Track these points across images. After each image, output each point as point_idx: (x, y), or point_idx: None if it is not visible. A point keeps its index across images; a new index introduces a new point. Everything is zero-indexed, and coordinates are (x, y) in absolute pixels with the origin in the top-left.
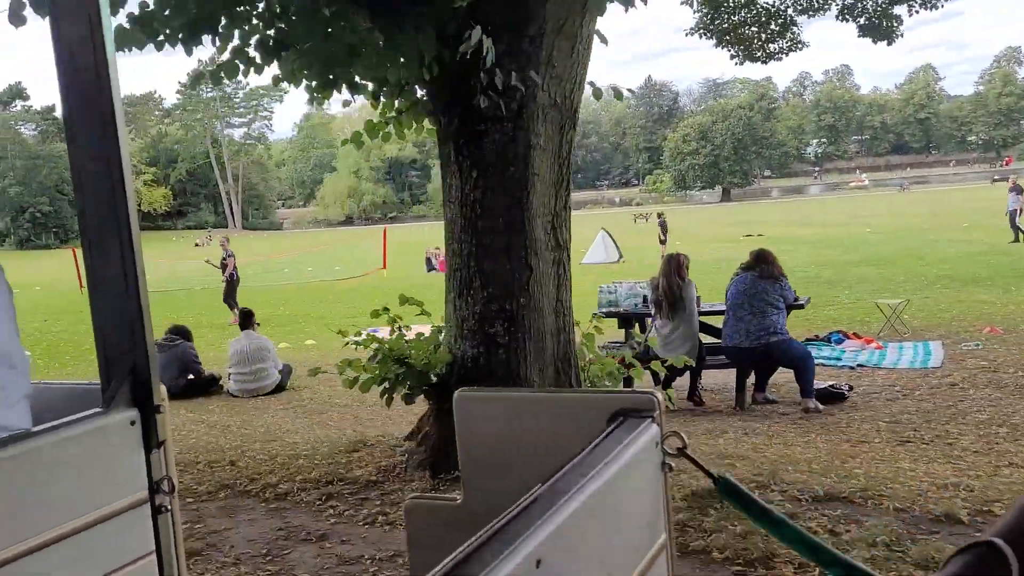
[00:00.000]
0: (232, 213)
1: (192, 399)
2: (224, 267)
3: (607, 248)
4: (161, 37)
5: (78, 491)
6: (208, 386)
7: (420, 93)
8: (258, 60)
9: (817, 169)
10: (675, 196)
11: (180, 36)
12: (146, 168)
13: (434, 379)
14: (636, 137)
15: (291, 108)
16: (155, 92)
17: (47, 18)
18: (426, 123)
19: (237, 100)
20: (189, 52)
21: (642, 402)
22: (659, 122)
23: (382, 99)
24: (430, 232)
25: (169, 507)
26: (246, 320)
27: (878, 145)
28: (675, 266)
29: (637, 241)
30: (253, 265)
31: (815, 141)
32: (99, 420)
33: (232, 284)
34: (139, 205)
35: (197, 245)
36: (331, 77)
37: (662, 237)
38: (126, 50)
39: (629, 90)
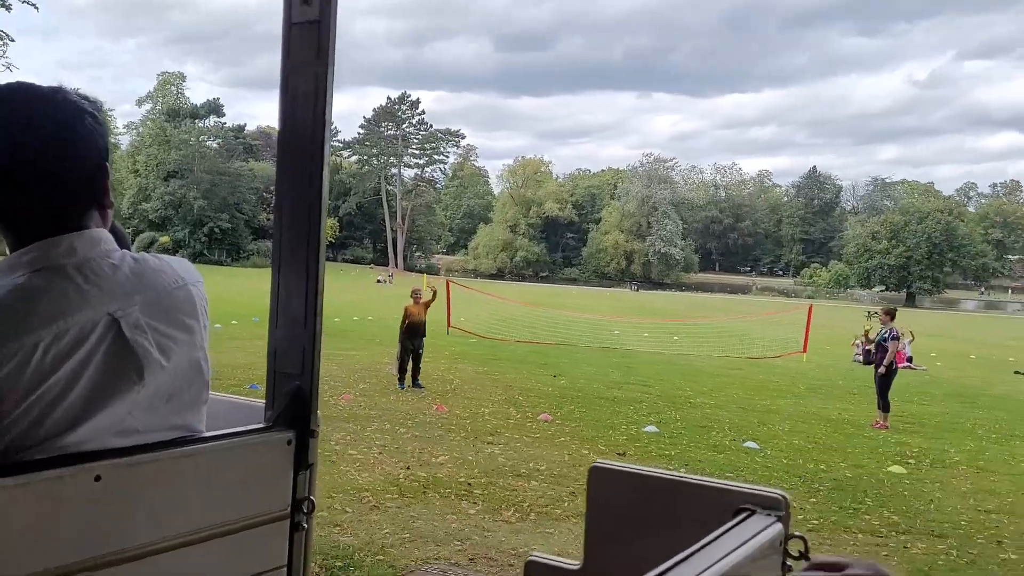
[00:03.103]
0: (395, 252)
1: None
2: (882, 350)
3: None
4: None
5: (230, 497)
6: None
7: None
8: None
9: (982, 286)
10: (837, 294)
11: None
12: None
13: None
14: (793, 227)
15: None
16: (333, 125)
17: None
18: None
19: (416, 141)
20: None
21: (770, 500)
22: (818, 214)
23: None
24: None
25: (306, 526)
26: None
27: None
28: None
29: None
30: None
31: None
32: (260, 436)
33: (890, 376)
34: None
35: (379, 282)
36: None
37: None
38: None
39: None
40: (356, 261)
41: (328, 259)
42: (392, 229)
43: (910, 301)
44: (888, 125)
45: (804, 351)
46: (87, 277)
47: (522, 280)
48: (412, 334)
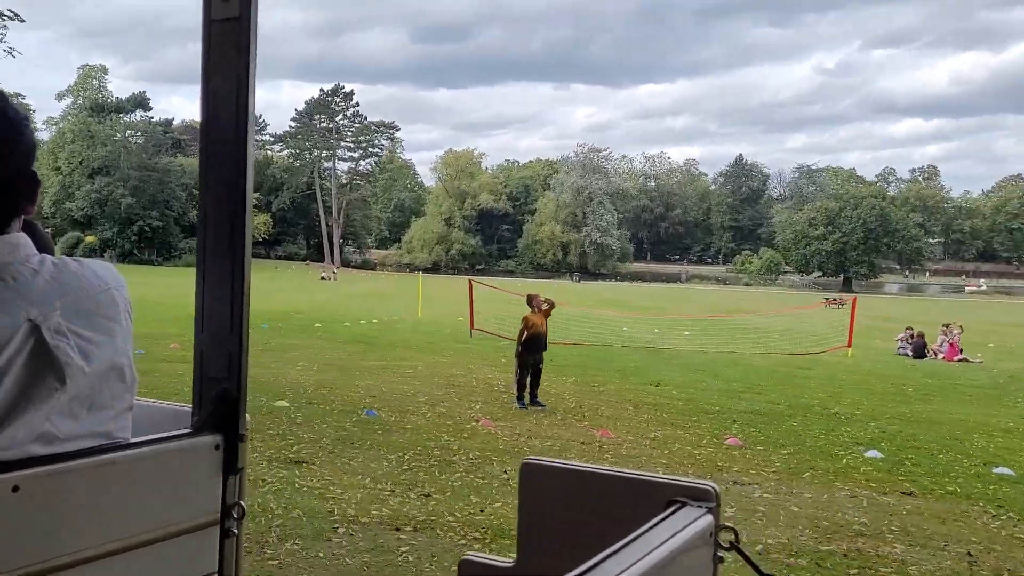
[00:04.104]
0: (332, 248)
1: None
2: None
3: None
4: None
5: (157, 505)
6: None
7: None
8: None
9: (906, 269)
10: (773, 281)
11: None
12: None
13: None
14: (722, 216)
15: None
16: (260, 116)
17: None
18: None
19: (349, 134)
20: None
21: (700, 492)
22: (746, 202)
23: None
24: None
25: (236, 532)
26: None
27: (965, 250)
28: None
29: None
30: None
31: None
32: (187, 441)
33: None
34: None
35: (323, 279)
36: None
37: None
38: None
39: None
40: (289, 258)
41: (261, 256)
42: (328, 224)
43: (847, 286)
44: (798, 114)
45: (849, 346)
46: (6, 283)
47: (458, 273)
48: (534, 347)
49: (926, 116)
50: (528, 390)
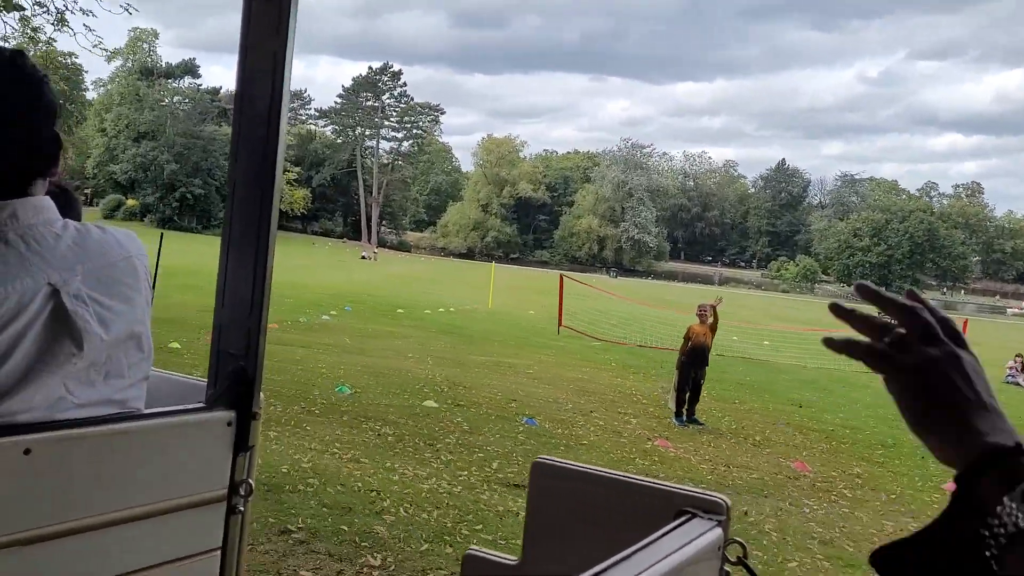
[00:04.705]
0: (370, 227)
1: None
2: None
3: None
4: None
5: (166, 477)
6: None
7: None
8: None
9: (944, 287)
10: (812, 289)
11: None
12: (291, 167)
13: None
14: (760, 219)
15: None
16: (304, 91)
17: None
18: None
19: (394, 114)
20: None
21: (711, 504)
22: (785, 207)
23: None
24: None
25: (243, 509)
26: None
27: (1005, 270)
28: None
29: None
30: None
31: None
32: (200, 415)
33: None
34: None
35: (364, 258)
36: None
37: None
38: None
39: None
40: (326, 234)
41: (297, 231)
42: (367, 203)
43: None
44: (837, 121)
45: None
46: (29, 245)
47: (491, 260)
48: (697, 360)
49: (966, 132)
50: (686, 406)
